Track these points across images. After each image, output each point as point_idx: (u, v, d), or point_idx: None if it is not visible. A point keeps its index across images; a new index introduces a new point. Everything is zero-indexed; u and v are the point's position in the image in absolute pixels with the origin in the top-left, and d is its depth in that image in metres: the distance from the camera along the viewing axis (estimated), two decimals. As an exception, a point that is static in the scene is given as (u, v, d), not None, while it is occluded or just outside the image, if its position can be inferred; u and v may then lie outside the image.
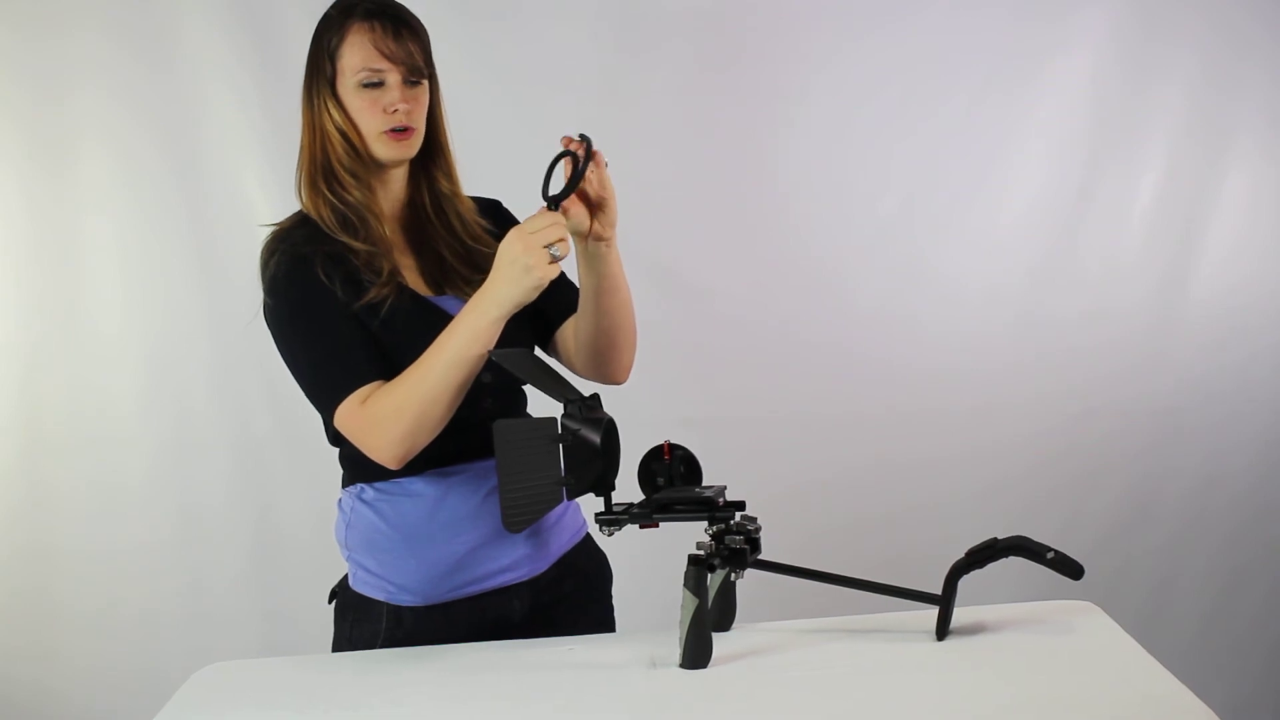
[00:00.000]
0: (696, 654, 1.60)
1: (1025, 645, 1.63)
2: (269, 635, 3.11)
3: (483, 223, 1.91)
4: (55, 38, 2.94)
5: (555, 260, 1.63)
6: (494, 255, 1.75)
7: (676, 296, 3.11)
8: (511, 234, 1.64)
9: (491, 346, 1.66)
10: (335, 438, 1.84)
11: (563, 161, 1.70)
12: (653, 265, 3.10)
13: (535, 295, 1.64)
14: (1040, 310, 3.23)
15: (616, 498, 1.67)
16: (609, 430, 1.64)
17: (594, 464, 1.64)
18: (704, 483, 1.71)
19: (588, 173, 1.69)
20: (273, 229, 1.82)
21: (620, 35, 3.08)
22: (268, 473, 3.10)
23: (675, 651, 1.61)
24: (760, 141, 3.15)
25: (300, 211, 1.84)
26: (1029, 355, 3.23)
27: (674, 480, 1.70)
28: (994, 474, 3.24)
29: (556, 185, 1.69)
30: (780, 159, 3.16)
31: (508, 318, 1.66)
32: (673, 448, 1.71)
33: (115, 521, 3.07)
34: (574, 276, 1.86)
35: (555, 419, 1.64)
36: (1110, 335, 3.23)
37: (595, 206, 1.72)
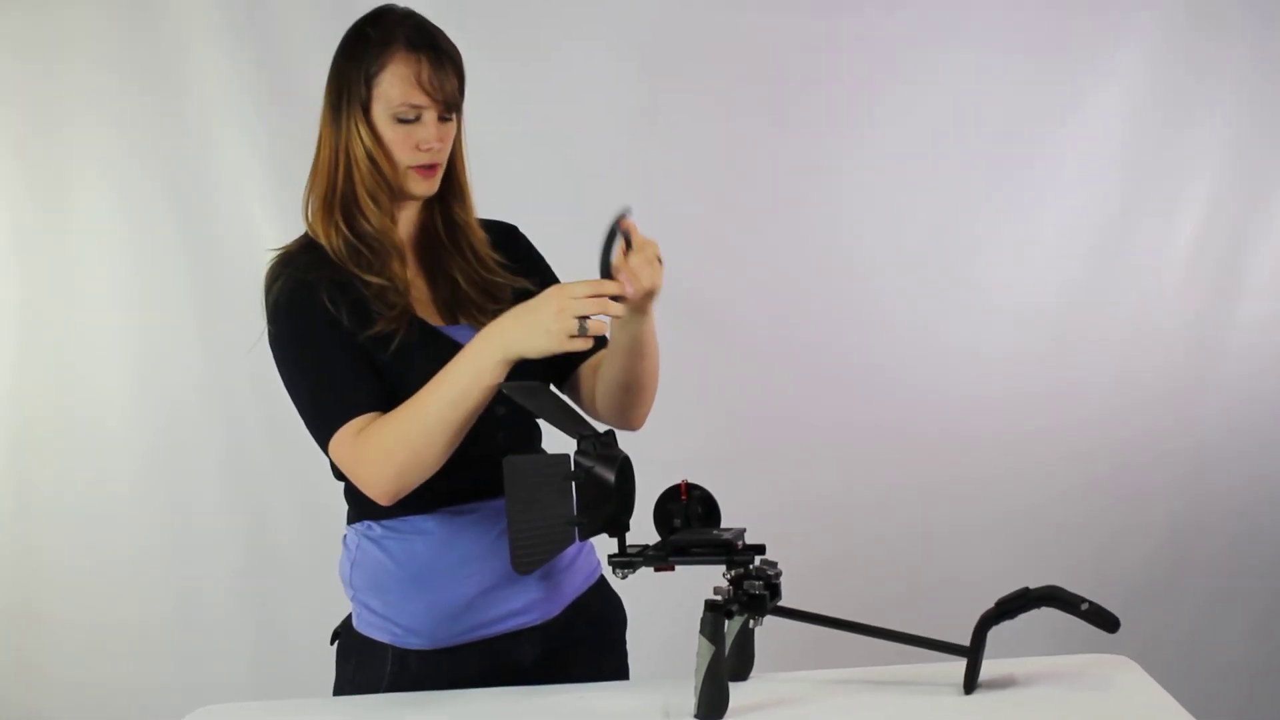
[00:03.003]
0: (712, 704, 1.55)
1: (1057, 700, 1.58)
2: (262, 647, 3.12)
3: (495, 256, 1.85)
4: (55, 64, 2.97)
5: (582, 334, 1.56)
6: (507, 285, 1.75)
7: (697, 330, 3.08)
8: (554, 288, 1.58)
9: (494, 384, 1.60)
10: (339, 472, 1.79)
11: (619, 237, 1.63)
12: (671, 297, 3.06)
13: (542, 356, 1.57)
14: (1078, 336, 3.21)
15: (631, 539, 1.62)
16: (624, 468, 1.59)
17: (608, 503, 1.59)
18: (723, 524, 1.65)
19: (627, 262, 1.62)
20: (278, 253, 1.77)
21: (644, 64, 3.06)
22: (260, 483, 3.11)
23: (690, 701, 1.56)
24: (787, 169, 3.14)
25: (307, 235, 1.79)
26: (1065, 381, 3.22)
27: (691, 521, 1.65)
28: (1025, 503, 3.22)
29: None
30: (808, 187, 3.14)
31: (514, 363, 1.59)
32: (690, 487, 1.66)
33: (105, 532, 3.07)
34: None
35: (568, 456, 1.60)
36: (1149, 363, 3.21)
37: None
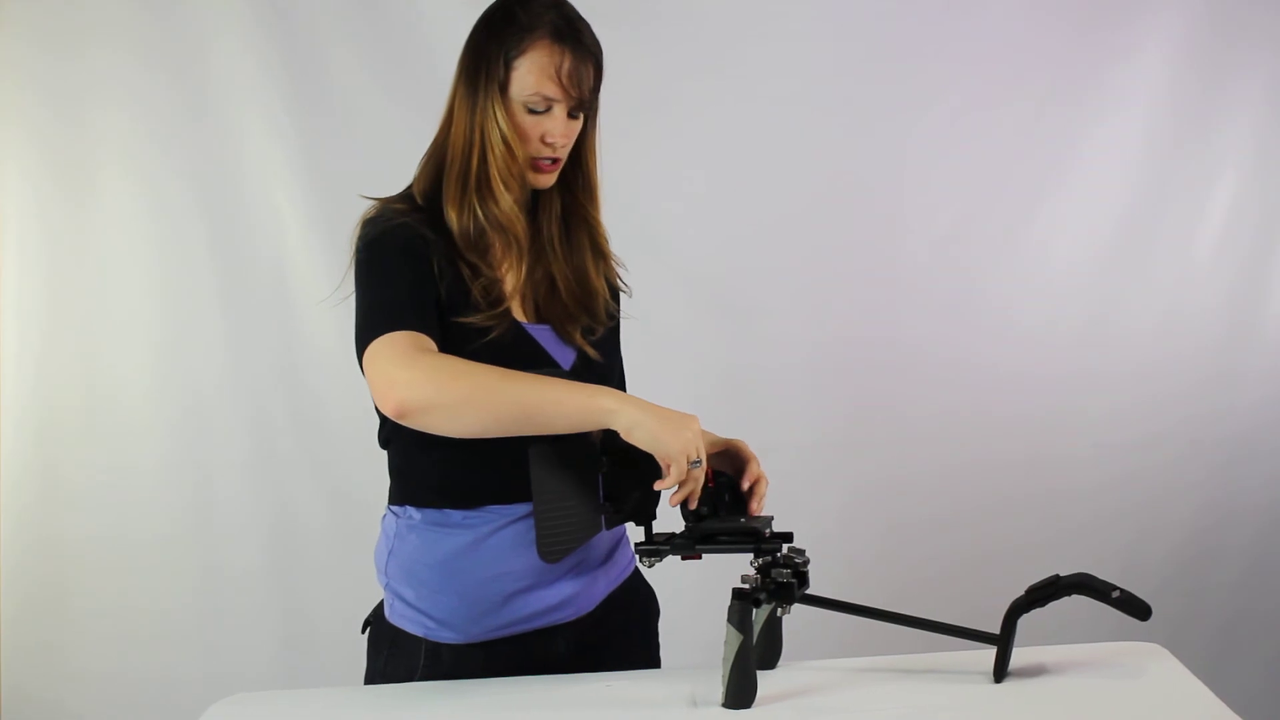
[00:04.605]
0: (740, 693, 1.54)
1: (1088, 689, 1.56)
2: (287, 635, 3.12)
3: (616, 258, 1.84)
4: (79, 54, 2.97)
5: (694, 467, 1.54)
6: (603, 298, 1.77)
7: (724, 319, 3.07)
8: (695, 425, 1.55)
9: (580, 429, 1.56)
10: (386, 440, 1.76)
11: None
12: (699, 286, 3.06)
13: (648, 449, 1.54)
14: (1108, 328, 3.20)
15: (658, 527, 1.62)
16: (650, 456, 1.57)
17: (635, 491, 1.58)
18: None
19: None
20: (380, 200, 1.73)
21: (666, 51, 3.06)
22: (285, 470, 3.11)
23: (718, 690, 1.55)
24: (815, 154, 3.12)
25: (408, 192, 1.74)
26: (1097, 373, 3.20)
27: (718, 510, 1.64)
28: (1056, 490, 3.20)
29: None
30: (837, 172, 3.13)
31: (610, 431, 1.55)
32: (717, 475, 1.65)
33: (130, 520, 3.08)
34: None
35: (595, 444, 1.60)
36: (1180, 354, 3.19)
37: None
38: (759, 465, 1.71)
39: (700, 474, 1.56)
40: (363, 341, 1.60)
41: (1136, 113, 3.13)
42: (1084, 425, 3.19)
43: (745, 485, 1.69)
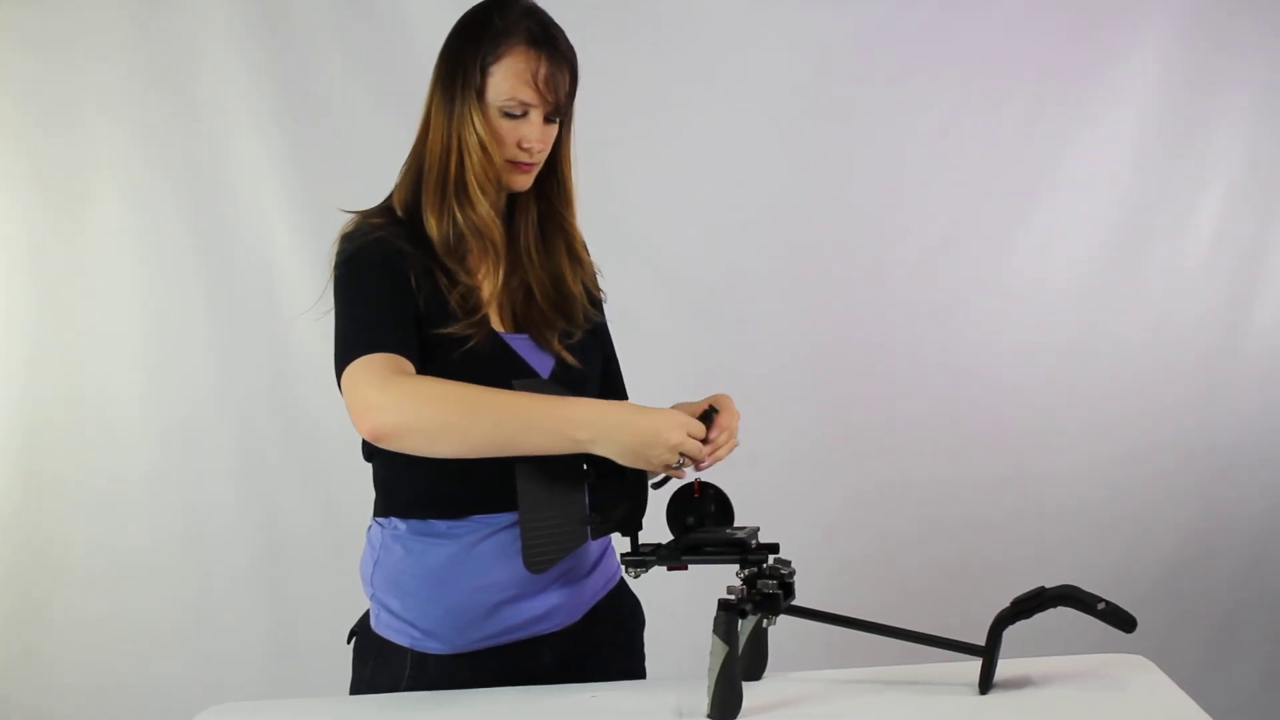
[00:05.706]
0: (726, 704, 1.54)
1: (1073, 701, 1.56)
2: (276, 644, 3.12)
3: (595, 265, 1.85)
4: (67, 61, 2.98)
5: (673, 468, 1.57)
6: (582, 304, 1.76)
7: (714, 327, 3.07)
8: (678, 421, 1.56)
9: (556, 452, 1.57)
10: (370, 453, 1.76)
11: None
12: (689, 291, 3.06)
13: (626, 466, 1.57)
14: (1097, 340, 3.20)
15: (644, 538, 1.61)
16: (636, 467, 1.57)
17: (620, 502, 1.58)
18: (736, 523, 1.65)
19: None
20: (358, 214, 1.73)
21: (659, 56, 3.06)
22: (274, 479, 3.11)
23: (703, 701, 1.55)
24: (806, 164, 3.13)
25: (387, 205, 1.74)
26: (1085, 385, 3.20)
27: (704, 520, 1.64)
28: (1043, 501, 3.20)
29: None
30: (829, 181, 3.14)
31: (587, 452, 1.56)
32: (703, 486, 1.65)
33: (118, 529, 3.08)
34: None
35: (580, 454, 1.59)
36: (1169, 365, 3.18)
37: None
38: (729, 417, 1.69)
39: (686, 467, 1.59)
40: (341, 362, 1.60)
41: (1127, 119, 3.14)
42: (1074, 436, 3.19)
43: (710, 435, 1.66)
